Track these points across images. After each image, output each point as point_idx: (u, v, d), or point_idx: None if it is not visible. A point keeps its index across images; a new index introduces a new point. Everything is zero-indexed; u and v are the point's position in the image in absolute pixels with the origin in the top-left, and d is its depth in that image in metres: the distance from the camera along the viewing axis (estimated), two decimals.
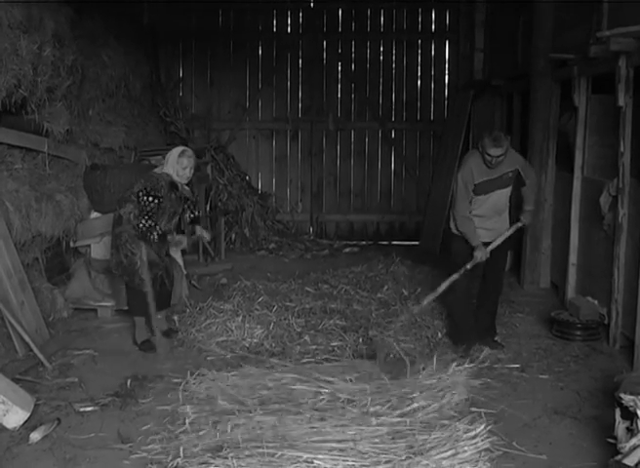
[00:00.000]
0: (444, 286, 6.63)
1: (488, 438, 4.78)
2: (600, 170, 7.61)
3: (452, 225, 6.78)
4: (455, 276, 6.58)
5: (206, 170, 11.13)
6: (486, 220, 6.61)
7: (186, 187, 6.77)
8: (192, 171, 6.72)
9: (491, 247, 6.56)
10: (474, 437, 4.78)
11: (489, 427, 4.90)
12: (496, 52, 11.51)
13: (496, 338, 7.01)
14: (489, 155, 6.36)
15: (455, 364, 5.98)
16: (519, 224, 6.70)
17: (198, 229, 7.08)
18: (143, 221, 6.44)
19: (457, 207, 6.60)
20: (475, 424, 4.93)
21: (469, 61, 12.25)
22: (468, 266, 6.53)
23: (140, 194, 6.45)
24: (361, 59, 12.63)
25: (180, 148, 6.72)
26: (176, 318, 7.43)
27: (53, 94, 7.51)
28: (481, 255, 6.47)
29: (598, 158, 7.74)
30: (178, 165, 6.58)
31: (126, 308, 7.22)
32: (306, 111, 12.70)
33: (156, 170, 6.71)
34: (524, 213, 6.73)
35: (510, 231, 6.66)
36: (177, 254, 7.99)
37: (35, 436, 4.94)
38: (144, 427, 5.13)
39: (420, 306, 6.85)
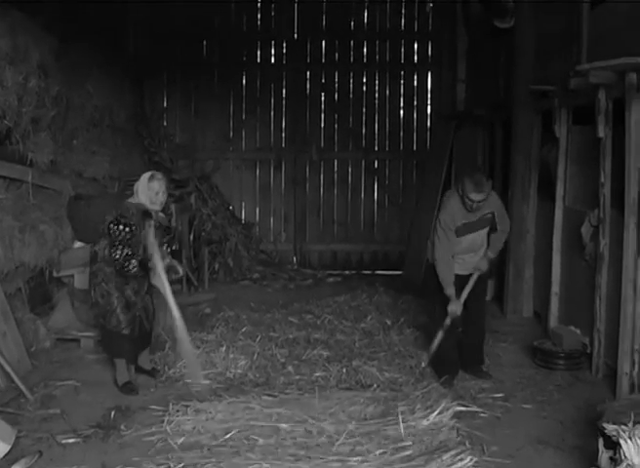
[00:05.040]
0: (435, 344, 6.70)
1: None
2: (581, 200, 7.68)
3: (429, 256, 6.82)
4: (440, 334, 6.65)
5: (190, 199, 11.13)
6: (462, 255, 6.68)
7: (161, 214, 6.59)
8: (165, 195, 6.50)
9: (461, 300, 6.62)
10: None
11: (475, 459, 4.91)
12: (478, 82, 11.62)
13: (483, 368, 7.03)
14: (470, 200, 6.37)
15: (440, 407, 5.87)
16: (477, 274, 6.73)
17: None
18: (119, 251, 6.21)
19: (438, 251, 6.57)
20: (461, 455, 4.94)
21: (452, 92, 12.36)
22: (448, 322, 6.60)
23: (111, 225, 6.24)
24: (344, 90, 12.71)
25: (147, 173, 6.51)
26: (157, 356, 7.18)
27: (37, 124, 7.52)
28: (455, 309, 6.53)
29: (579, 188, 7.81)
30: (149, 191, 6.34)
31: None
32: (290, 141, 12.74)
33: (129, 200, 6.46)
34: (482, 259, 6.74)
35: (472, 281, 6.71)
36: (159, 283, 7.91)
37: None
38: (133, 458, 5.09)
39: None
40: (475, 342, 7.04)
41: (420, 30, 12.59)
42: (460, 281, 6.66)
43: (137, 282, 6.51)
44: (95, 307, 6.55)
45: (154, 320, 6.86)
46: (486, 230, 6.70)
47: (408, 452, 5.07)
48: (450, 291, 6.51)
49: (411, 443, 5.22)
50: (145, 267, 6.41)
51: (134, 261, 6.28)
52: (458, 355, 6.90)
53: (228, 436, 5.33)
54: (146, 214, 6.39)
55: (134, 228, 6.28)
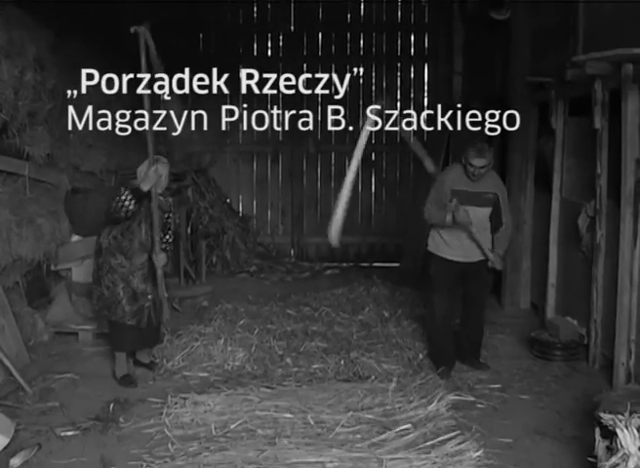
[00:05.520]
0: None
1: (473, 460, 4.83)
2: (578, 191, 7.69)
3: (429, 242, 6.82)
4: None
5: (187, 193, 11.13)
6: (462, 238, 6.62)
7: (161, 198, 6.54)
8: (167, 180, 6.55)
9: (474, 235, 6.50)
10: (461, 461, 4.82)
11: (482, 449, 4.93)
12: (474, 74, 11.61)
13: (481, 359, 7.05)
14: (472, 165, 6.41)
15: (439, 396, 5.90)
16: (489, 261, 6.66)
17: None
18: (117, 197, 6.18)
19: (428, 200, 6.64)
20: (465, 443, 4.99)
21: (448, 84, 12.36)
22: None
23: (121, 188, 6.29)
24: (341, 82, 12.67)
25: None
26: (156, 349, 7.12)
27: (34, 117, 7.50)
28: (463, 216, 6.38)
29: (576, 180, 7.82)
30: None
31: (107, 331, 7.05)
32: (287, 134, 12.72)
33: (133, 181, 6.48)
34: (495, 257, 6.67)
35: (486, 251, 6.61)
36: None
37: (15, 461, 4.89)
38: (132, 451, 5.11)
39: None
40: (474, 337, 7.03)
41: (416, 22, 12.58)
42: (459, 268, 6.68)
43: (144, 270, 6.50)
44: (100, 300, 6.49)
45: (161, 314, 6.79)
46: (487, 213, 6.64)
47: (410, 439, 5.11)
48: (448, 217, 6.43)
49: (411, 426, 5.28)
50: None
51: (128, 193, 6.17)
52: (455, 346, 6.92)
53: (233, 427, 5.36)
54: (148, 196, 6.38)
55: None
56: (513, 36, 9.03)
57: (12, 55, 6.94)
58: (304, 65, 12.64)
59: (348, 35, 12.65)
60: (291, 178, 12.79)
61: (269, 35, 12.68)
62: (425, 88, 12.71)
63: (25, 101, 7.21)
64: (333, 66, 12.66)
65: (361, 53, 12.66)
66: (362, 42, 12.65)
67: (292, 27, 12.64)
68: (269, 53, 12.72)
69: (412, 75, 12.69)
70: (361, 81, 12.67)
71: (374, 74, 12.68)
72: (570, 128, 7.91)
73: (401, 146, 12.55)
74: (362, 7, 12.64)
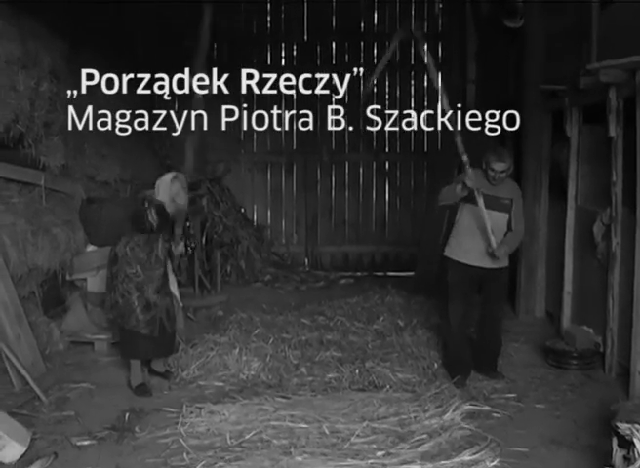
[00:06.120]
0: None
1: None
2: (593, 199, 7.67)
3: (446, 249, 6.82)
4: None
5: (201, 202, 11.14)
6: (475, 238, 6.60)
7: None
8: (186, 194, 6.62)
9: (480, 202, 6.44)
10: None
11: (497, 459, 4.91)
12: (488, 82, 11.60)
13: (497, 369, 7.02)
14: (492, 170, 6.46)
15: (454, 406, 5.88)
16: (492, 248, 6.53)
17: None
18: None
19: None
20: (481, 453, 4.97)
21: (462, 92, 12.34)
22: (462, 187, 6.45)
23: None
24: (354, 92, 12.69)
25: (171, 174, 6.57)
26: (171, 358, 7.12)
27: (49, 128, 7.56)
28: (471, 181, 6.36)
29: (591, 187, 7.80)
30: (170, 190, 6.44)
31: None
32: (301, 144, 12.74)
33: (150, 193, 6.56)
34: (500, 246, 6.53)
35: (490, 235, 6.48)
36: (173, 286, 7.95)
37: None
38: (147, 460, 5.12)
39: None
40: (491, 346, 7.00)
41: (429, 31, 12.57)
42: (476, 274, 6.67)
43: (159, 282, 6.53)
44: (114, 309, 6.51)
45: (174, 323, 6.83)
46: (505, 218, 6.63)
47: (426, 449, 5.09)
48: (458, 186, 6.43)
49: (426, 436, 5.25)
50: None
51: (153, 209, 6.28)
52: (470, 355, 6.89)
53: (248, 437, 5.34)
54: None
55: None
56: (527, 43, 9.02)
57: (28, 66, 7.01)
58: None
59: (362, 44, 12.66)
60: (305, 188, 12.80)
61: (283, 45, 12.71)
62: (439, 96, 12.68)
63: (41, 112, 7.27)
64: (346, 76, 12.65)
65: (374, 61, 12.65)
66: (375, 51, 12.66)
67: (305, 37, 12.66)
68: (283, 62, 12.74)
69: (425, 83, 12.67)
70: (375, 89, 12.66)
71: (387, 83, 12.68)
72: (584, 135, 7.89)
73: (415, 155, 12.61)
74: (375, 15, 12.66)
